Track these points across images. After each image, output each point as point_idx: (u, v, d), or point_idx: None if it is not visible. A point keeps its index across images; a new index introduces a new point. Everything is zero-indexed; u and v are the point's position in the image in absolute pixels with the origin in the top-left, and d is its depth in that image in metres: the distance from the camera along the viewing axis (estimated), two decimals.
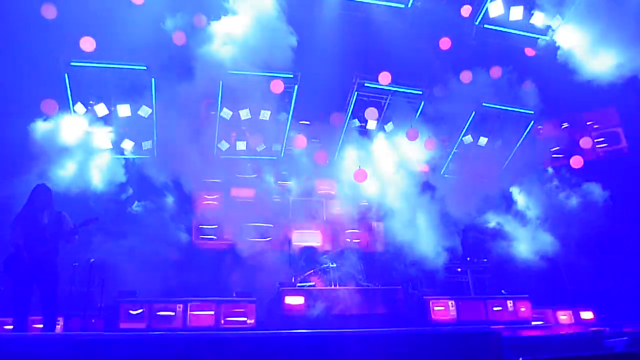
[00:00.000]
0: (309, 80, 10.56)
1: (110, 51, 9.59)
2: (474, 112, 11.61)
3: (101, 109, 10.05)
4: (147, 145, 10.43)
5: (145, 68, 9.88)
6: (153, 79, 10.02)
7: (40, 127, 9.51)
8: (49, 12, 8.97)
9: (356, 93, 11.07)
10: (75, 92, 9.80)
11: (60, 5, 9.01)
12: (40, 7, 8.90)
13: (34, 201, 6.53)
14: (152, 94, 10.12)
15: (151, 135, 10.42)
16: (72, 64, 9.55)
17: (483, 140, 11.93)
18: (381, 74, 10.75)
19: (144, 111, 10.15)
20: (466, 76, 11.07)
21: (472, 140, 11.93)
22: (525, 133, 11.84)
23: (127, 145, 10.32)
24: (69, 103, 9.74)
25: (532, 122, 11.76)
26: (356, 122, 11.58)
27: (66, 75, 9.53)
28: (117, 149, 10.30)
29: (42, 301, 6.39)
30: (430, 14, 10.44)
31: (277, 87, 10.34)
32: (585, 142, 11.70)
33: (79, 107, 9.84)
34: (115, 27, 9.37)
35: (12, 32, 9.03)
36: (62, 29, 9.12)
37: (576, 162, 11.45)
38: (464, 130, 11.86)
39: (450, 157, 12.12)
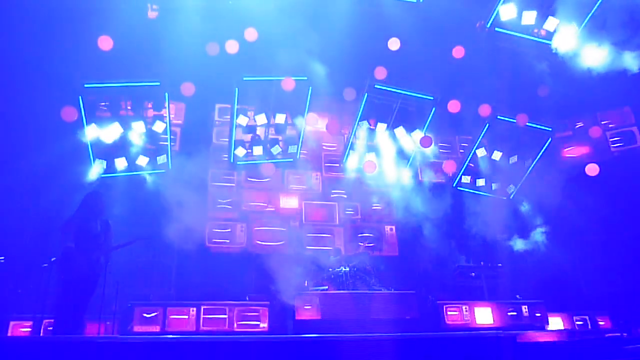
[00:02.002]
0: (323, 81, 10.58)
1: (126, 69, 9.75)
2: (487, 125, 11.44)
3: (116, 129, 10.13)
4: (161, 159, 10.52)
5: (159, 84, 9.93)
6: (166, 94, 10.08)
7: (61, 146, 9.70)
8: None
9: (366, 94, 11.00)
10: (91, 112, 9.85)
11: (74, 29, 9.18)
12: (51, 31, 9.06)
13: (88, 208, 6.53)
14: (167, 109, 10.22)
15: (165, 149, 10.52)
16: (86, 85, 9.53)
17: (497, 155, 11.75)
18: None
19: (159, 126, 10.27)
20: (485, 111, 11.06)
21: (485, 153, 11.78)
22: (543, 150, 11.52)
23: (142, 161, 10.42)
24: (83, 124, 9.75)
25: (550, 139, 11.45)
26: (365, 124, 11.54)
27: (80, 97, 9.53)
28: (132, 165, 10.38)
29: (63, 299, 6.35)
30: (443, 12, 10.29)
31: (289, 84, 10.36)
32: (594, 132, 11.52)
33: (93, 129, 9.86)
34: (130, 46, 9.49)
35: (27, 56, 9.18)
36: (75, 51, 9.29)
37: (592, 170, 11.26)
38: (477, 143, 11.73)
39: (463, 169, 11.97)
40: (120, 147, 10.27)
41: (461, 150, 12.74)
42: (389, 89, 10.95)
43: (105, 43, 9.37)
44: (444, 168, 12.01)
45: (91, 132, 9.83)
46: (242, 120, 10.85)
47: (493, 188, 11.92)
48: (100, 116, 10.03)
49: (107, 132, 10.08)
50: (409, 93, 11.05)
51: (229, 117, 11.50)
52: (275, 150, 11.25)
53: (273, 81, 10.44)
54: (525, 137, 11.65)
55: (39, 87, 9.33)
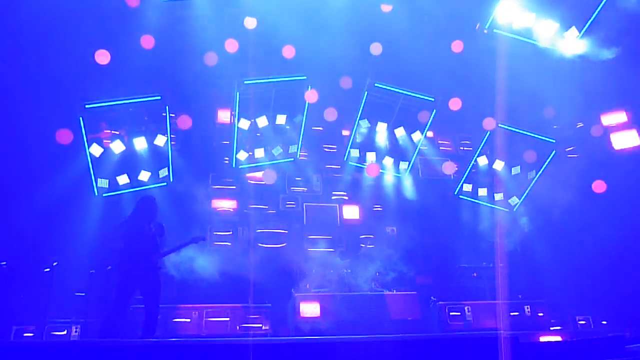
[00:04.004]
0: (322, 82, 10.61)
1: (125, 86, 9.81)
2: (488, 133, 11.32)
3: (117, 146, 10.09)
4: (163, 172, 10.52)
5: (159, 98, 9.90)
6: (167, 107, 10.08)
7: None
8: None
9: (366, 93, 10.93)
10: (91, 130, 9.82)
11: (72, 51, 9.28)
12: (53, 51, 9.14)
13: (142, 211, 6.75)
14: (166, 122, 10.22)
15: (166, 162, 10.50)
16: (87, 106, 9.47)
17: (499, 164, 11.59)
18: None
19: (160, 140, 10.28)
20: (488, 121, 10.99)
21: (487, 162, 11.68)
22: (547, 162, 11.30)
23: (144, 176, 10.37)
24: (84, 145, 9.69)
25: (554, 151, 11.26)
26: (366, 123, 11.54)
27: (81, 119, 9.47)
28: (134, 181, 10.35)
29: (146, 307, 6.56)
30: (443, 11, 10.27)
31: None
32: (596, 131, 11.45)
33: (95, 148, 9.82)
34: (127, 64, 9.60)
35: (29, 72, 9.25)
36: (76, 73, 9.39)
37: (599, 186, 11.05)
38: (478, 151, 11.65)
39: (464, 177, 11.86)
40: (123, 163, 10.27)
41: (461, 148, 12.71)
42: (389, 87, 10.91)
43: (102, 57, 9.44)
44: (444, 169, 12.00)
45: (94, 151, 9.80)
46: (244, 123, 10.86)
47: (495, 199, 11.76)
48: (102, 135, 10.07)
49: (110, 150, 10.10)
50: (409, 93, 10.98)
51: (229, 120, 11.54)
52: (277, 151, 11.27)
53: (273, 82, 10.45)
54: (529, 148, 11.48)
55: (40, 107, 9.39)
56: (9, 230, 8.88)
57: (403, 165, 11.79)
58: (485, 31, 9.92)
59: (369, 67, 10.87)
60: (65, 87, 9.36)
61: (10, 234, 8.86)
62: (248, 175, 11.48)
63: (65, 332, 8.05)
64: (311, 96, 10.63)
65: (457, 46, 10.60)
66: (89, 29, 9.26)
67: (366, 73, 10.83)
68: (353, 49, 10.38)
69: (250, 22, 9.93)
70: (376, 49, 10.61)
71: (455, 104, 11.18)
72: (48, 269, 7.68)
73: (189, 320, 8.64)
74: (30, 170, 9.55)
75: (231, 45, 10.08)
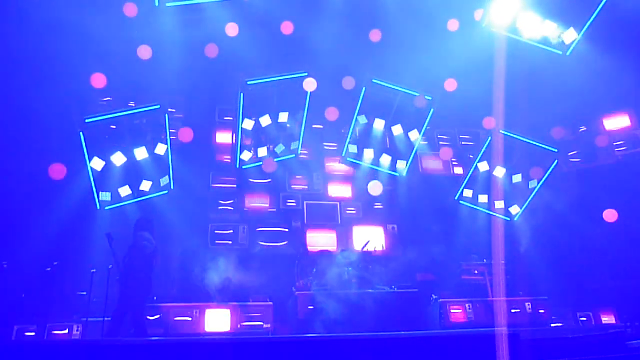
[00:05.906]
0: (322, 80, 10.61)
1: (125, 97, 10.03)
2: (490, 138, 11.25)
3: (118, 158, 10.03)
4: (164, 181, 10.48)
5: (158, 107, 9.88)
6: (166, 115, 10.05)
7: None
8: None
9: (364, 89, 10.90)
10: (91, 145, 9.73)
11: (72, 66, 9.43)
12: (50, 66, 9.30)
13: (140, 231, 7.59)
14: (166, 131, 10.20)
15: (167, 170, 10.45)
16: (87, 120, 9.39)
17: (500, 171, 11.48)
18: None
19: (161, 149, 10.25)
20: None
21: (488, 167, 11.57)
22: (549, 172, 11.25)
23: (146, 185, 10.33)
24: (85, 160, 9.62)
25: (556, 160, 11.22)
26: (363, 119, 11.50)
27: (81, 133, 9.39)
28: (136, 190, 10.31)
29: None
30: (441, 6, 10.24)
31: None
32: (601, 141, 11.46)
33: (96, 162, 9.73)
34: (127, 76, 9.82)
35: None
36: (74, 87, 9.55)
37: (610, 216, 10.95)
38: (479, 156, 11.59)
39: (465, 182, 11.80)
40: (125, 174, 10.22)
41: (462, 143, 12.70)
42: (386, 84, 10.88)
43: (98, 80, 9.56)
44: (441, 155, 11.94)
45: (95, 165, 9.73)
46: (248, 124, 10.84)
47: (495, 206, 11.65)
48: (102, 147, 9.98)
49: (112, 162, 10.03)
50: (406, 90, 10.96)
51: (231, 118, 11.52)
52: (279, 148, 11.26)
53: (275, 81, 10.45)
54: (531, 156, 11.45)
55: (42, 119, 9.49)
56: (10, 230, 8.92)
57: (400, 163, 11.78)
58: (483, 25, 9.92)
59: (368, 61, 10.90)
60: (67, 100, 9.45)
61: (11, 233, 8.90)
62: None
63: (66, 332, 8.06)
64: (310, 85, 10.57)
65: (452, 24, 10.57)
66: (88, 37, 9.30)
67: (365, 68, 10.85)
68: (353, 43, 10.40)
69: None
70: (375, 35, 10.60)
71: (450, 85, 11.12)
72: (49, 269, 7.69)
73: (190, 319, 8.65)
74: (34, 179, 9.60)
75: (231, 30, 10.07)
